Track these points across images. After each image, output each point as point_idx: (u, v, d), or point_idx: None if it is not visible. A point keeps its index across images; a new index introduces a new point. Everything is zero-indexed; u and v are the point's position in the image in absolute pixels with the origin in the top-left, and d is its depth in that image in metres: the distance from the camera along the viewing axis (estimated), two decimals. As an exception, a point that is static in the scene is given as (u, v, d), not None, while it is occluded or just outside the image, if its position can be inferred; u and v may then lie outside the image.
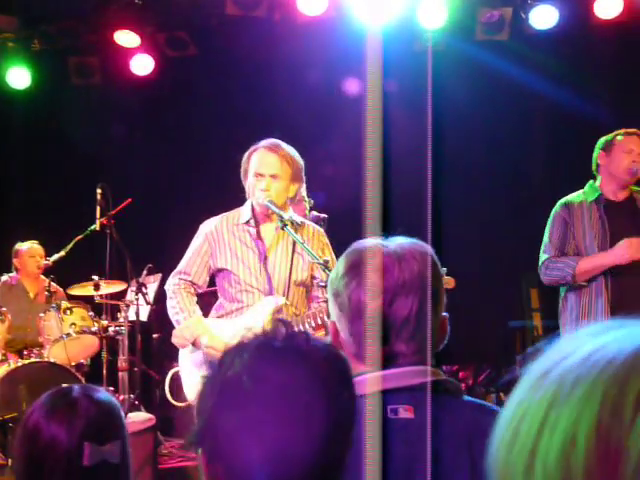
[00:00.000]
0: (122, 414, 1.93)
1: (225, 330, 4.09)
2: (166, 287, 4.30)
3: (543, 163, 7.54)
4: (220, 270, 4.19)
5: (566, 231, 4.62)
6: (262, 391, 1.25)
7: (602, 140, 4.73)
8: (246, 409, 1.25)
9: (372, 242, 1.80)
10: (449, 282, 4.65)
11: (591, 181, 4.73)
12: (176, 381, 4.34)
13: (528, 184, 7.62)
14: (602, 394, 0.58)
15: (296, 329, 1.36)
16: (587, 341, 0.62)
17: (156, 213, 7.94)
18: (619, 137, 4.66)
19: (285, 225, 4.03)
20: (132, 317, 6.36)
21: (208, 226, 4.26)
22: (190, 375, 4.15)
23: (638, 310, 4.23)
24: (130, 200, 6.62)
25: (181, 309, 4.18)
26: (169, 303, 4.24)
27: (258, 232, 4.20)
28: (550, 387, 0.61)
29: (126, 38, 7.41)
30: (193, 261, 4.23)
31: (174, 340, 4.17)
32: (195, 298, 4.27)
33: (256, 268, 4.15)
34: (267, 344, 1.31)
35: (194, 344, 4.09)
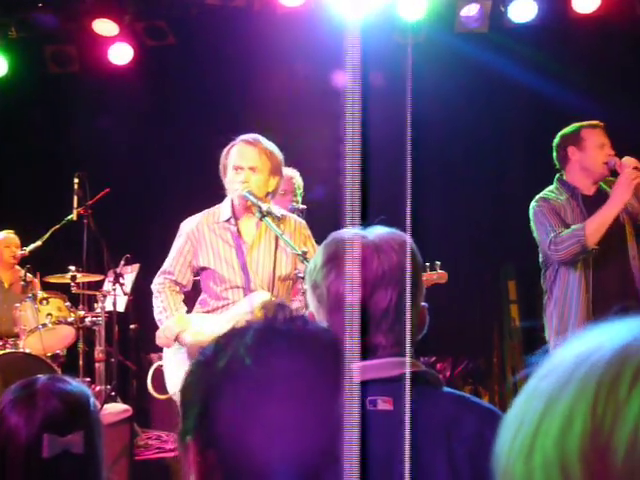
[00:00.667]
0: (91, 404, 1.91)
1: (209, 325, 4.08)
2: (152, 286, 4.30)
3: (523, 155, 7.56)
4: (203, 269, 4.20)
5: (559, 213, 4.56)
6: (267, 375, 1.23)
7: (567, 134, 4.67)
8: (250, 394, 1.23)
9: (350, 233, 1.79)
10: (442, 276, 4.65)
11: (558, 176, 4.71)
12: (157, 375, 4.33)
13: (508, 176, 7.64)
14: (595, 389, 0.58)
15: (294, 313, 1.34)
16: (581, 343, 0.63)
17: (134, 203, 7.90)
18: (586, 131, 4.62)
19: (264, 216, 4.03)
20: (109, 307, 6.34)
21: (189, 225, 4.25)
22: (175, 370, 4.13)
23: (619, 301, 4.26)
24: (108, 190, 6.58)
25: (164, 308, 4.18)
26: (154, 302, 4.25)
27: (239, 229, 4.19)
28: (547, 389, 0.62)
29: (104, 27, 7.37)
30: (176, 261, 4.23)
31: (158, 341, 4.17)
32: (180, 296, 4.27)
33: (239, 266, 4.15)
34: (269, 327, 1.30)
35: (177, 342, 4.08)
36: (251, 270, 4.15)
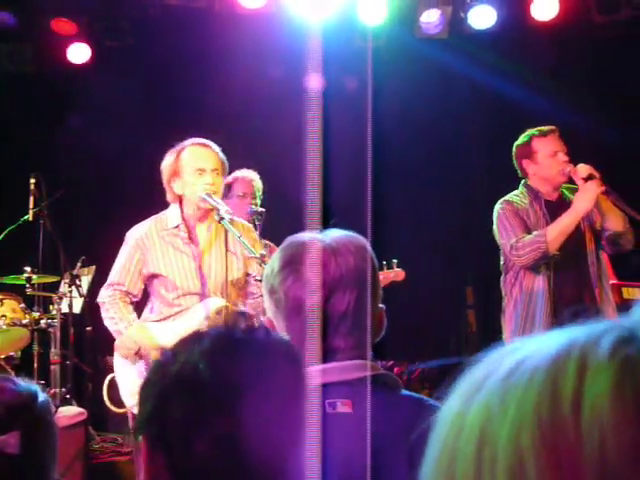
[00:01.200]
0: (38, 405, 1.88)
1: (168, 333, 4.04)
2: (99, 300, 4.22)
3: (484, 159, 7.62)
4: (155, 276, 4.14)
5: (522, 217, 4.60)
6: (218, 382, 1.23)
7: (519, 146, 4.68)
8: (199, 399, 1.23)
9: (308, 236, 1.79)
10: (399, 274, 4.66)
11: (523, 181, 4.76)
12: (111, 386, 4.28)
13: (469, 180, 7.69)
14: (535, 399, 0.58)
15: (256, 323, 1.34)
16: (511, 353, 0.62)
17: (91, 204, 7.82)
18: (537, 141, 4.63)
19: (222, 218, 4.02)
20: (65, 310, 6.27)
21: (137, 233, 4.18)
22: (131, 383, 4.09)
23: (577, 305, 4.30)
24: (63, 191, 6.51)
25: (120, 319, 4.10)
26: (105, 314, 4.17)
27: (190, 235, 4.16)
28: (483, 401, 0.60)
29: (62, 26, 7.29)
30: (126, 270, 4.15)
31: (118, 352, 4.10)
32: (132, 307, 4.20)
33: (192, 272, 4.11)
34: (227, 335, 1.29)
35: (137, 352, 4.03)
36: (204, 276, 4.12)
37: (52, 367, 6.38)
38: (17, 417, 1.83)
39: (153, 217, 4.25)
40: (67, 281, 6.24)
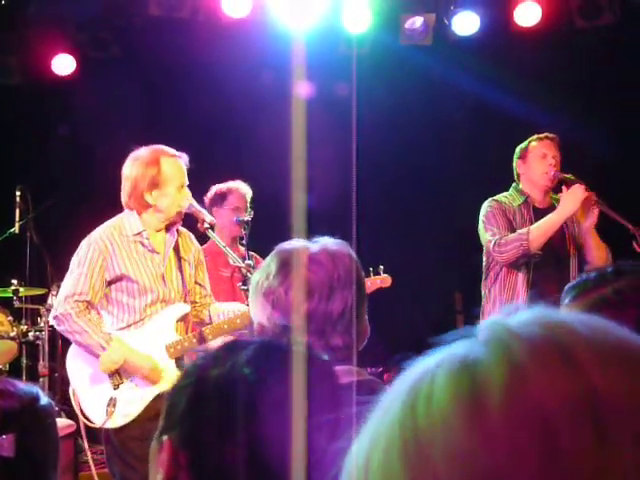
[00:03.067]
0: (38, 407, 1.87)
1: (138, 342, 4.01)
2: (59, 312, 4.03)
3: (466, 164, 7.64)
4: (118, 280, 4.04)
5: (508, 217, 4.64)
6: (259, 391, 1.24)
7: (518, 148, 4.82)
8: (238, 404, 1.24)
9: (299, 242, 1.82)
10: (385, 280, 4.67)
11: (514, 184, 4.82)
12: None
13: (451, 186, 7.71)
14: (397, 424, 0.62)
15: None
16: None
17: (78, 216, 7.79)
18: (532, 143, 4.76)
19: (208, 228, 4.05)
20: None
21: (97, 238, 4.09)
22: (94, 394, 4.04)
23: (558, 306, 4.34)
24: (51, 203, 6.49)
25: (94, 331, 3.96)
26: (73, 327, 3.98)
27: (151, 242, 4.15)
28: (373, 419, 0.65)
29: (47, 37, 7.27)
30: (90, 280, 4.00)
31: (102, 367, 3.94)
32: (100, 318, 4.08)
33: (157, 278, 4.09)
34: (273, 345, 1.31)
35: (123, 366, 3.97)
36: (169, 282, 4.11)
37: (40, 379, 6.35)
38: (13, 420, 1.82)
39: (109, 223, 4.16)
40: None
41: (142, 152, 4.13)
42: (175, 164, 4.12)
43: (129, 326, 4.04)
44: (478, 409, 0.59)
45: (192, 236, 4.37)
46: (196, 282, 4.27)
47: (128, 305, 4.05)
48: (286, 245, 1.84)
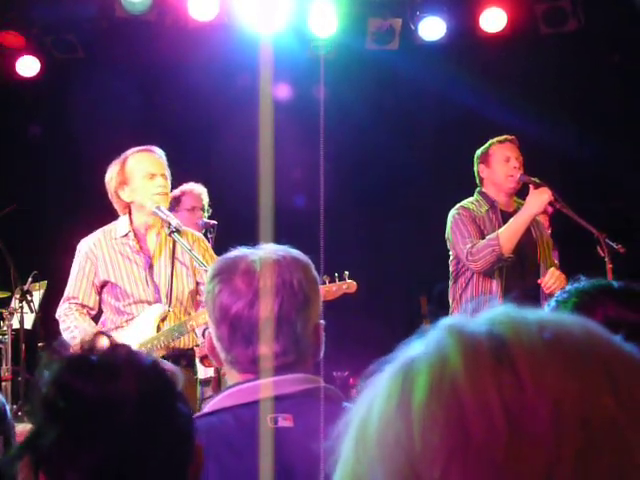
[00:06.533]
0: (7, 412, 1.86)
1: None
2: (57, 315, 4.19)
3: (434, 169, 7.68)
4: (105, 284, 4.13)
5: (478, 224, 4.63)
6: (76, 409, 1.23)
7: (479, 153, 4.81)
8: (63, 425, 1.23)
9: (240, 251, 1.84)
10: (351, 286, 4.66)
11: (478, 189, 4.82)
12: None
13: (420, 190, 7.74)
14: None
15: (121, 342, 1.35)
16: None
17: (42, 219, 7.73)
18: (493, 147, 4.76)
19: (173, 232, 4.04)
20: (16, 325, 6.19)
21: (87, 244, 4.18)
22: None
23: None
24: (15, 205, 6.44)
25: (76, 327, 4.06)
26: (63, 326, 4.13)
27: (139, 243, 4.16)
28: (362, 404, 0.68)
29: (10, 39, 7.21)
30: (80, 283, 4.14)
31: None
32: (88, 317, 4.17)
33: (142, 279, 4.11)
34: (81, 359, 1.29)
35: None
36: (155, 283, 4.11)
37: (3, 384, 6.29)
38: None
39: (102, 228, 4.26)
40: (18, 296, 6.17)
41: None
42: (141, 157, 4.15)
43: (117, 328, 4.09)
44: (404, 405, 0.62)
45: (200, 237, 4.38)
46: (198, 283, 4.25)
47: (116, 307, 4.12)
48: (226, 255, 1.86)
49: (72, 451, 1.22)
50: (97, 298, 4.18)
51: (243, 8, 6.74)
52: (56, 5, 7.12)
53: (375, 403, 0.65)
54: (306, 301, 1.79)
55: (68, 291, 4.18)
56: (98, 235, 4.20)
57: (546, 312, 0.68)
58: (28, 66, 7.45)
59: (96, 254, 4.13)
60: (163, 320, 4.11)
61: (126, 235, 4.15)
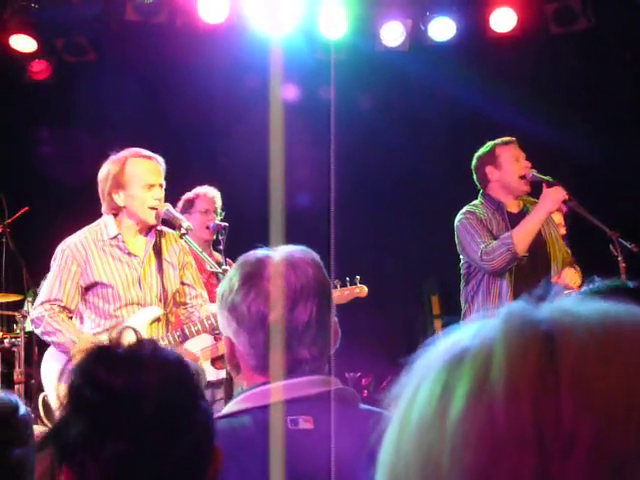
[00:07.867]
0: (18, 416, 1.86)
1: None
2: (34, 316, 4.08)
3: (445, 169, 7.66)
4: (93, 286, 4.06)
5: (486, 226, 4.60)
6: (101, 399, 1.25)
7: (482, 155, 4.73)
8: (88, 416, 1.26)
9: (262, 252, 1.81)
10: (362, 290, 4.67)
11: (482, 191, 4.78)
12: (46, 407, 4.20)
13: (430, 191, 7.73)
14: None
15: (147, 337, 1.38)
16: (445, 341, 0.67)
17: (54, 222, 7.74)
18: (499, 148, 4.69)
19: (184, 234, 4.03)
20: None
21: (71, 244, 4.11)
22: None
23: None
24: (27, 208, 6.46)
25: (67, 329, 3.99)
26: (46, 328, 4.02)
27: (127, 246, 4.14)
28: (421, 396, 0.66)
29: (22, 43, 7.24)
30: (63, 285, 4.05)
31: (75, 360, 4.00)
32: (70, 320, 4.10)
33: (134, 282, 4.08)
34: (109, 352, 1.31)
35: None
36: (146, 285, 4.10)
37: (16, 386, 6.31)
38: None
39: (85, 229, 4.20)
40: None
41: (115, 154, 4.14)
42: (142, 164, 4.10)
43: (106, 330, 4.03)
44: (441, 414, 0.61)
45: (177, 237, 4.36)
46: (183, 283, 4.25)
47: (104, 310, 4.07)
48: (248, 256, 1.83)
49: (96, 441, 1.23)
50: (78, 301, 4.09)
51: (253, 10, 6.75)
52: (67, 8, 7.14)
53: (418, 399, 0.64)
54: (330, 302, 1.80)
55: (49, 292, 4.07)
56: (83, 235, 4.14)
57: (613, 309, 0.64)
58: (40, 70, 7.48)
59: (84, 255, 4.06)
60: (155, 322, 4.09)
61: (115, 237, 4.11)
